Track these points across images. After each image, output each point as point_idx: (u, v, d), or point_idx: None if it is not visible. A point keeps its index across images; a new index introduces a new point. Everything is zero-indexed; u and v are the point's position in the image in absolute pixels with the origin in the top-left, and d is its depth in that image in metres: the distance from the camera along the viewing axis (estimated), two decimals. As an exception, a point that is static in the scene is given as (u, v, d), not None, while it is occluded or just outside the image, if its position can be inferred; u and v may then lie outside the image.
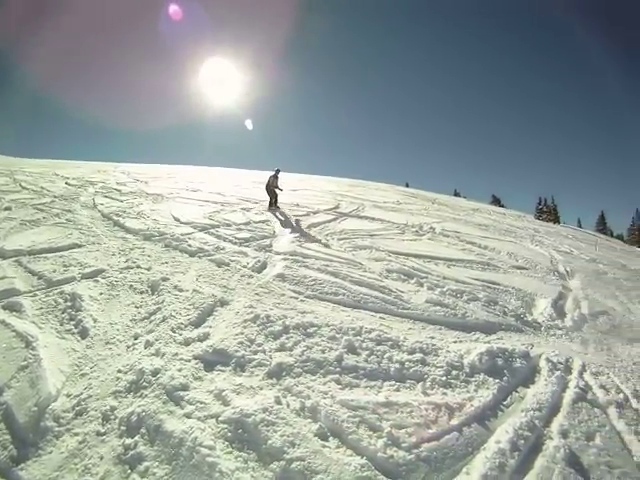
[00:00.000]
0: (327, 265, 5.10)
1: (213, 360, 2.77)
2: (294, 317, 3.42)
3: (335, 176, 28.67)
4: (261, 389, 2.50)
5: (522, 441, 2.58)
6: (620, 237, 42.26)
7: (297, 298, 3.97)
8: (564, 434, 2.82)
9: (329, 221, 8.77)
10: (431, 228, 9.99)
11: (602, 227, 43.18)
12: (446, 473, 2.26)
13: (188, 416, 2.28)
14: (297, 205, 10.48)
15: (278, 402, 2.39)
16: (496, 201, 44.93)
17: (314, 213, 9.56)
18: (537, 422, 2.87)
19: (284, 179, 21.28)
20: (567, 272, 8.96)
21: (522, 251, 10.00)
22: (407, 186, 40.01)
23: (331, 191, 16.84)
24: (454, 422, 2.63)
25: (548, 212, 37.13)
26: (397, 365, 3.10)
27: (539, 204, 38.54)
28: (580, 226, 41.95)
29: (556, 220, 36.57)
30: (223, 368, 2.69)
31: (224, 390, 2.43)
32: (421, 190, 31.70)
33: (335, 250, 6.17)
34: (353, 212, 10.77)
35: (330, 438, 2.24)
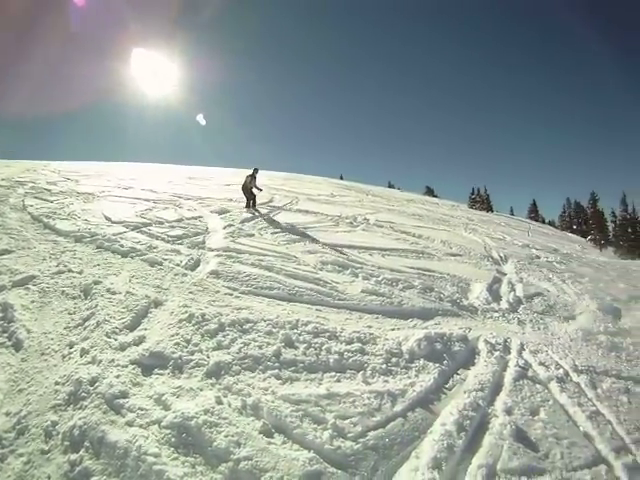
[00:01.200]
0: (261, 260, 6.75)
1: (150, 364, 3.66)
2: (229, 314, 4.56)
3: (270, 170, 35.27)
4: (201, 390, 3.31)
5: (468, 421, 3.56)
6: (552, 223, 57.14)
7: (232, 294, 5.31)
8: (509, 411, 3.91)
9: (263, 215, 11.61)
10: (365, 219, 13.65)
11: (534, 214, 58.11)
12: (396, 459, 3.05)
13: (130, 424, 3.00)
14: (231, 200, 13.56)
15: (219, 402, 3.17)
16: (430, 192, 59.62)
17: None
18: (481, 402, 3.92)
19: (217, 174, 24.70)
20: (501, 257, 12.22)
21: (456, 239, 13.33)
22: (341, 179, 50.26)
23: (265, 185, 19.91)
24: (398, 408, 3.55)
25: (481, 201, 50.74)
26: (336, 356, 4.12)
27: (472, 194, 52.72)
28: (513, 214, 56.12)
29: (489, 209, 49.18)
30: (161, 371, 3.59)
31: (164, 394, 3.25)
32: (355, 183, 41.52)
33: (269, 244, 8.10)
34: (287, 205, 14.42)
35: (275, 434, 2.99)
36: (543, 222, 58.20)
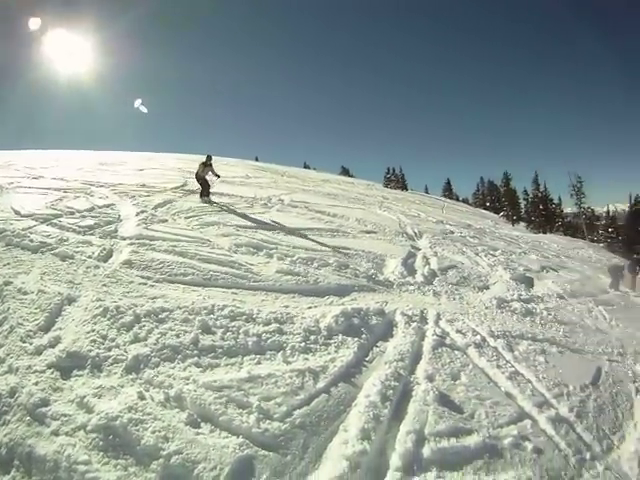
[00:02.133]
0: (175, 246, 6.94)
1: (68, 365, 3.65)
2: (144, 304, 4.66)
3: (184, 153, 36.26)
4: (122, 387, 3.36)
5: (391, 391, 3.88)
6: (466, 201, 61.40)
7: (146, 284, 5.41)
8: (430, 378, 4.30)
9: (176, 199, 11.90)
10: (280, 200, 14.53)
11: (448, 192, 63.17)
12: (324, 435, 3.28)
13: (56, 434, 2.97)
14: (143, 185, 13.72)
15: (142, 397, 3.23)
16: (345, 172, 63.32)
17: (161, 193, 12.75)
18: (402, 371, 4.28)
19: (131, 159, 24.35)
20: (415, 233, 13.33)
21: (371, 217, 14.39)
22: (257, 160, 52.22)
23: (180, 169, 21.31)
24: (321, 385, 3.79)
25: (396, 180, 54.64)
26: (254, 338, 4.32)
27: (387, 173, 56.57)
28: (428, 192, 59.75)
29: (404, 187, 53.18)
30: (80, 372, 3.58)
31: (85, 396, 3.26)
32: (271, 164, 43.44)
33: (182, 229, 8.33)
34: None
35: (202, 424, 3.11)
36: (457, 200, 62.44)
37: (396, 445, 3.35)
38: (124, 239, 7.25)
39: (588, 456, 3.84)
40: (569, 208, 50.20)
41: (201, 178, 13.14)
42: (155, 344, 3.97)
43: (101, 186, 13.33)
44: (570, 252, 23.04)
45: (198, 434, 3.03)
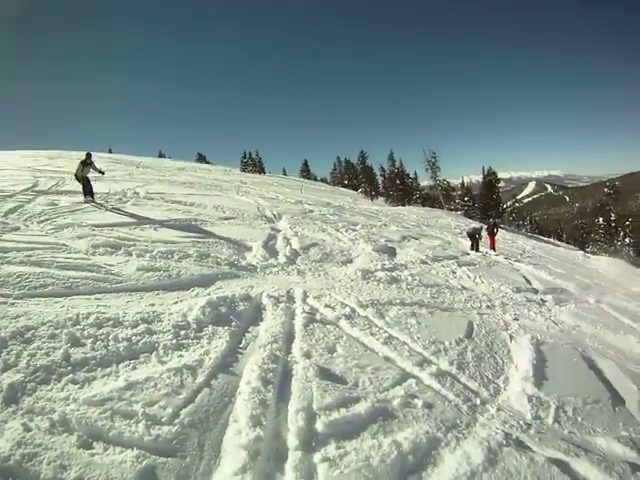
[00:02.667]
0: (30, 255, 6.42)
1: None
2: (8, 326, 4.29)
3: (33, 149, 35.86)
4: (5, 422, 3.11)
5: (271, 374, 4.02)
6: (324, 180, 65.95)
7: (6, 302, 4.95)
8: (307, 355, 4.52)
9: (27, 202, 10.97)
10: (135, 193, 14.30)
11: (306, 173, 66.56)
12: (217, 429, 3.31)
13: None
14: None
15: (28, 429, 3.03)
16: (202, 158, 64.89)
17: (10, 197, 11.61)
18: (278, 353, 4.46)
19: None
20: (275, 215, 13.87)
21: (229, 203, 14.67)
22: (110, 152, 52.22)
23: (29, 167, 20.43)
24: (200, 380, 3.80)
25: (253, 164, 55.40)
26: (125, 343, 4.23)
27: (244, 157, 56.91)
28: (285, 174, 63.51)
29: (261, 171, 54.65)
30: None
31: None
32: (125, 155, 43.50)
33: (37, 235, 7.77)
34: (53, 188, 13.90)
35: (94, 443, 2.99)
36: (315, 180, 66.14)
37: (289, 425, 3.45)
38: None
39: (478, 402, 4.29)
40: (425, 182, 55.61)
41: (82, 178, 12.52)
42: (27, 367, 3.73)
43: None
44: (429, 221, 25.26)
45: (93, 455, 2.92)
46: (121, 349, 4.17)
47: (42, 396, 3.42)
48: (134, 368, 3.94)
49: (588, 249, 37.38)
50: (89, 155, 12.87)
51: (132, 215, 10.58)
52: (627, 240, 37.50)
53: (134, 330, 4.54)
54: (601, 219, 38.96)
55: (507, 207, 52.86)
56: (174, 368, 3.97)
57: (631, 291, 13.71)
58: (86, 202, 11.97)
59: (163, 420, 3.29)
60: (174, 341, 4.48)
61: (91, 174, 12.70)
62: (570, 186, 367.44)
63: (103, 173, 13.55)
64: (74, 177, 12.92)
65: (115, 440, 3.05)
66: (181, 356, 4.24)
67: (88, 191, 12.51)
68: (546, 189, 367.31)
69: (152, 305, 5.32)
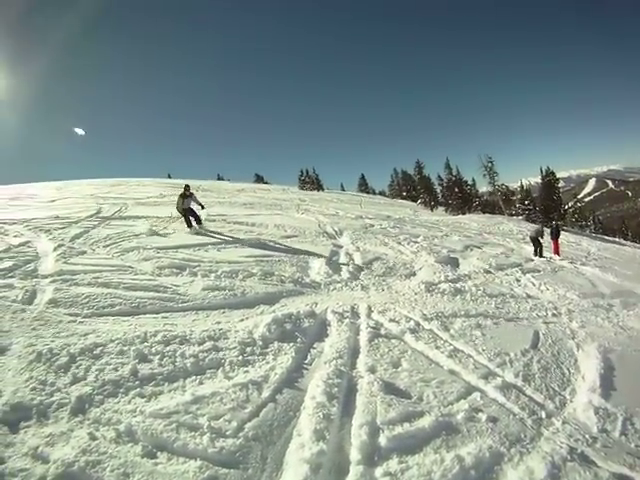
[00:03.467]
0: (97, 277, 6.77)
1: (15, 418, 3.47)
2: (77, 343, 4.55)
3: (96, 178, 37.27)
4: (72, 431, 3.30)
5: (336, 389, 4.03)
6: (382, 193, 65.18)
7: (75, 321, 5.27)
8: (372, 370, 4.51)
9: (93, 228, 11.55)
10: None
11: (364, 187, 66.38)
12: (280, 442, 3.37)
13: None
14: (57, 217, 13.18)
15: (93, 438, 3.19)
16: (260, 179, 65.71)
17: (76, 223, 12.32)
18: (343, 368, 4.46)
19: (39, 191, 23.55)
20: (336, 231, 13.87)
21: (289, 221, 14.78)
22: (169, 177, 54.01)
23: (92, 195, 21.19)
24: (265, 394, 3.89)
25: (311, 182, 55.83)
26: (192, 359, 4.37)
27: (301, 175, 57.58)
28: (344, 190, 63.70)
29: (319, 188, 54.80)
30: (27, 423, 3.43)
31: (38, 447, 3.15)
32: (184, 180, 42.86)
33: (103, 258, 8.16)
34: (116, 214, 14.42)
35: (158, 453, 3.13)
36: (374, 193, 66.04)
37: (352, 440, 3.46)
38: (45, 277, 7.05)
39: (544, 415, 4.16)
40: (484, 188, 53.77)
41: (183, 210, 12.58)
42: (95, 381, 3.93)
43: (14, 223, 12.71)
44: (491, 228, 24.61)
45: (157, 464, 3.04)
46: (188, 365, 4.32)
47: (109, 408, 3.61)
48: (200, 383, 4.09)
49: None
50: (187, 187, 12.94)
51: (195, 237, 10.97)
52: None
53: (201, 347, 4.68)
54: None
55: (569, 208, 50.46)
56: (240, 383, 4.08)
57: None
58: (193, 232, 12.01)
59: (228, 433, 3.39)
60: (240, 357, 4.59)
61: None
62: (632, 179, 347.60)
63: (203, 207, 13.22)
64: (176, 210, 12.93)
65: (179, 451, 3.17)
66: (247, 372, 4.35)
67: (194, 220, 12.56)
68: (607, 185, 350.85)
69: (218, 323, 5.47)
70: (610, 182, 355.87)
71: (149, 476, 2.91)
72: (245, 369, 4.40)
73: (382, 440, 3.47)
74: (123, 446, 3.17)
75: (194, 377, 4.17)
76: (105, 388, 3.84)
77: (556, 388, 4.77)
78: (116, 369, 4.12)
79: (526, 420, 4.03)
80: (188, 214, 12.46)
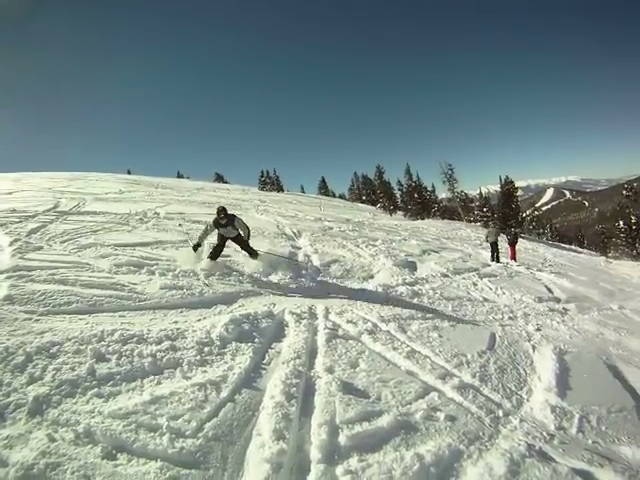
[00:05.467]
0: (54, 274, 6.63)
1: None
2: (33, 341, 4.45)
3: (54, 171, 37.29)
4: (30, 432, 3.23)
5: (294, 389, 4.08)
6: (342, 197, 66.30)
7: (31, 319, 5.15)
8: (330, 370, 4.57)
9: (50, 223, 11.27)
10: (155, 213, 14.58)
11: (324, 190, 67.05)
12: (240, 442, 3.38)
13: None
14: (14, 211, 12.94)
15: (52, 440, 3.14)
16: (220, 178, 66.00)
17: (33, 217, 12.04)
18: (301, 368, 4.52)
19: None
20: (294, 233, 14.03)
21: (249, 221, 13.82)
22: (129, 173, 53.73)
23: (50, 188, 20.86)
24: (224, 394, 3.89)
25: (271, 183, 56.71)
26: (149, 359, 4.34)
27: (262, 176, 58.11)
28: (304, 192, 64.24)
29: (280, 189, 55.76)
30: None
31: None
32: (144, 176, 44.90)
33: (60, 254, 8.00)
34: (74, 209, 14.12)
35: (118, 455, 3.09)
36: (334, 196, 66.75)
37: (312, 439, 3.50)
38: (1, 273, 6.90)
39: (501, 413, 4.29)
40: (443, 194, 54.75)
41: (220, 243, 8.95)
42: (52, 381, 3.86)
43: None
44: (449, 233, 25.24)
45: (117, 466, 3.02)
46: (146, 365, 4.29)
47: (67, 409, 3.56)
48: (159, 383, 4.06)
49: (610, 254, 36.67)
50: (222, 211, 8.74)
51: (153, 235, 10.85)
52: None
53: (158, 346, 4.65)
54: (622, 222, 37.95)
55: (526, 216, 52.32)
56: (198, 383, 4.07)
57: None
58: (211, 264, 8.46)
59: (187, 433, 3.38)
60: (198, 357, 4.58)
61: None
62: (589, 190, 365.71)
63: (249, 235, 9.29)
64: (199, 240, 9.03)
65: (139, 452, 3.14)
66: (205, 372, 4.34)
67: (246, 252, 9.26)
68: (564, 195, 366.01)
69: (176, 322, 5.45)
70: (567, 192, 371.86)
71: (110, 478, 2.89)
72: (203, 369, 4.40)
73: (342, 439, 3.51)
74: (82, 447, 3.14)
75: (152, 377, 4.14)
76: (62, 388, 3.79)
77: (513, 388, 4.91)
78: (73, 369, 4.07)
79: (484, 419, 4.14)
80: (221, 247, 8.89)
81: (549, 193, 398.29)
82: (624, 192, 39.50)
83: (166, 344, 4.73)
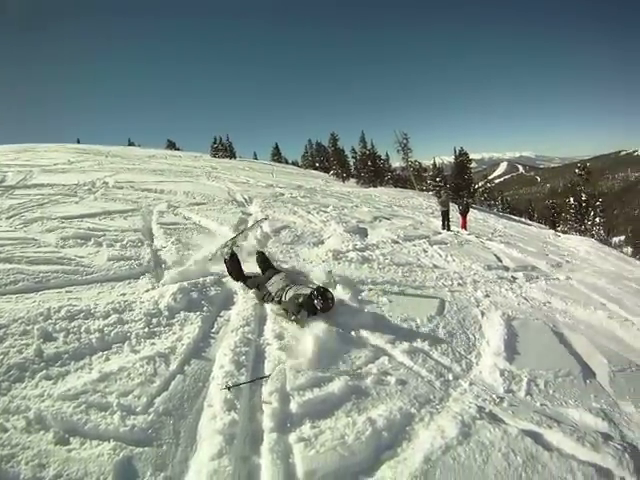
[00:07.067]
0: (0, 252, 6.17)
1: None
2: None
3: (1, 144, 34.86)
4: None
5: (244, 357, 4.09)
6: (295, 164, 66.15)
7: None
8: (279, 337, 4.64)
9: None
10: (104, 183, 14.04)
11: (277, 157, 66.55)
12: (192, 415, 3.35)
13: None
14: None
15: (4, 430, 3.00)
16: (172, 145, 64.19)
17: None
18: (250, 336, 4.53)
19: None
20: (245, 199, 13.90)
21: (199, 188, 14.64)
22: (78, 142, 51.60)
23: None
24: (173, 367, 3.82)
25: (224, 149, 55.69)
26: (97, 334, 4.19)
27: (214, 143, 56.92)
28: (256, 158, 63.89)
29: (232, 156, 54.82)
30: None
31: None
32: (94, 145, 43.48)
33: (5, 231, 7.50)
34: (20, 183, 13.35)
35: (71, 439, 2.99)
36: (287, 163, 66.40)
37: (263, 407, 3.51)
38: None
39: (451, 377, 4.40)
40: (397, 163, 55.56)
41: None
42: (0, 367, 3.69)
43: None
44: (401, 202, 25.54)
45: (70, 450, 2.92)
46: (94, 341, 4.15)
47: (17, 395, 3.41)
48: (107, 359, 3.94)
49: (559, 228, 38.24)
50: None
51: (101, 205, 10.40)
52: (597, 220, 38.31)
53: (106, 321, 4.50)
54: (572, 199, 39.57)
55: (479, 187, 53.61)
56: (147, 357, 3.98)
57: (601, 268, 14.04)
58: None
59: (138, 410, 3.31)
60: (146, 329, 4.47)
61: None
62: (542, 167, 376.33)
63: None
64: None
65: (91, 434, 3.06)
66: (153, 344, 4.25)
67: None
68: (518, 170, 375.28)
69: (123, 295, 5.28)
70: (521, 167, 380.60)
71: (64, 464, 2.80)
72: (152, 341, 4.31)
73: (293, 406, 3.54)
74: (35, 435, 3.04)
75: (100, 353, 4.03)
76: (11, 373, 3.63)
77: (462, 352, 5.03)
78: (20, 351, 3.90)
79: (434, 382, 4.23)
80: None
81: (502, 167, 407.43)
82: (577, 170, 41.11)
83: (114, 318, 4.58)
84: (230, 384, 3.83)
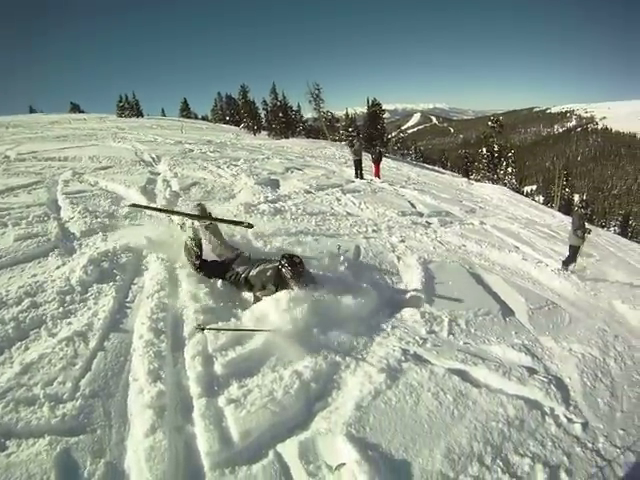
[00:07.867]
0: None
1: None
2: None
3: None
4: None
5: (162, 323, 4.04)
6: (205, 118, 64.59)
7: None
8: (195, 297, 4.60)
9: None
10: (5, 157, 12.75)
11: (186, 112, 64.60)
12: (119, 392, 3.29)
13: None
14: None
15: None
16: (75, 108, 60.97)
17: None
18: (165, 300, 4.46)
19: None
20: (153, 159, 13.47)
21: (105, 151, 13.95)
22: None
23: None
24: (93, 344, 3.71)
25: (130, 108, 53.82)
26: (12, 324, 3.93)
27: (120, 102, 54.68)
28: (165, 115, 61.43)
29: (139, 114, 53.16)
30: None
31: None
32: None
33: None
34: None
35: (7, 443, 2.83)
36: (196, 118, 64.84)
37: (188, 373, 3.51)
38: None
39: (373, 322, 4.71)
40: (309, 114, 54.33)
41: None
42: None
43: None
44: (314, 152, 25.49)
45: (10, 455, 2.78)
46: (10, 332, 3.89)
47: None
48: (26, 348, 3.73)
49: (472, 177, 39.73)
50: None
51: (4, 182, 9.43)
52: (509, 169, 40.25)
53: (19, 307, 4.23)
54: (485, 150, 41.04)
55: (392, 137, 54.37)
56: (65, 338, 3.82)
57: (513, 214, 14.93)
58: None
59: (65, 397, 3.20)
60: (61, 309, 4.25)
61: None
62: (455, 119, 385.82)
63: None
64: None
65: (25, 432, 2.94)
66: (70, 324, 4.06)
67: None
68: (431, 120, 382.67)
69: (34, 276, 4.92)
70: (434, 118, 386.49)
71: (7, 472, 2.67)
72: (68, 321, 4.11)
73: (218, 368, 3.57)
74: None
75: (19, 343, 3.79)
76: None
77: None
78: None
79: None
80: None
81: (416, 117, 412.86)
82: (490, 123, 42.26)
83: (27, 302, 4.31)
84: (203, 325, 4.00)
